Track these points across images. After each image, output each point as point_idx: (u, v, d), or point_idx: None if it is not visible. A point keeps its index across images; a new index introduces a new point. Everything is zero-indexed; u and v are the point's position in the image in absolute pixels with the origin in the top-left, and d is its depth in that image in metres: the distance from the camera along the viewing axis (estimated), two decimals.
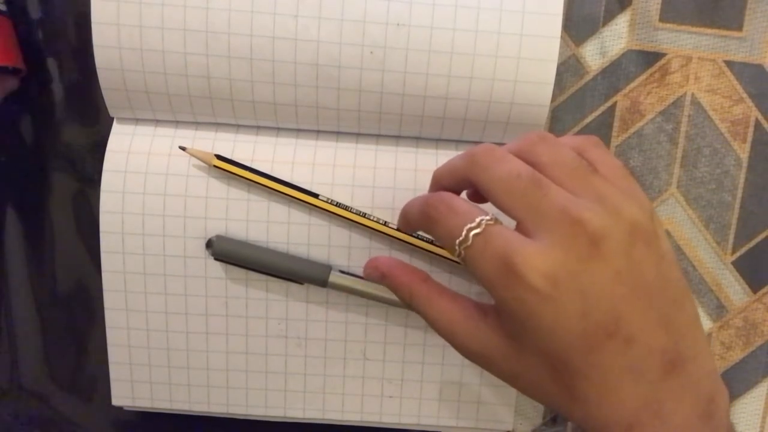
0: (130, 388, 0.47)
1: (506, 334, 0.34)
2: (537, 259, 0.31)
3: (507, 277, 0.31)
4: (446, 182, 0.37)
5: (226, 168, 0.44)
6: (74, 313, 0.50)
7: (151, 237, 0.45)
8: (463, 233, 0.33)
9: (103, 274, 0.46)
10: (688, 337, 0.32)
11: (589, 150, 0.35)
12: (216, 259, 0.45)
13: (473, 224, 0.33)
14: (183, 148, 0.44)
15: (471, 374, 0.47)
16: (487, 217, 0.33)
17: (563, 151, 0.34)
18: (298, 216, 0.45)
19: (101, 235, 0.45)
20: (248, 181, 0.44)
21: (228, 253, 0.44)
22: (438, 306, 0.37)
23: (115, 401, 0.48)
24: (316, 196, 0.44)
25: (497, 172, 0.33)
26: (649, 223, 0.32)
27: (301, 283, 0.45)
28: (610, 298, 0.31)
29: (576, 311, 0.31)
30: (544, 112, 0.44)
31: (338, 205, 0.44)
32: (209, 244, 0.45)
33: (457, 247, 0.33)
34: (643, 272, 0.32)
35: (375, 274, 0.41)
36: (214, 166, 0.44)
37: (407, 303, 0.38)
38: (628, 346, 0.31)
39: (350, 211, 0.44)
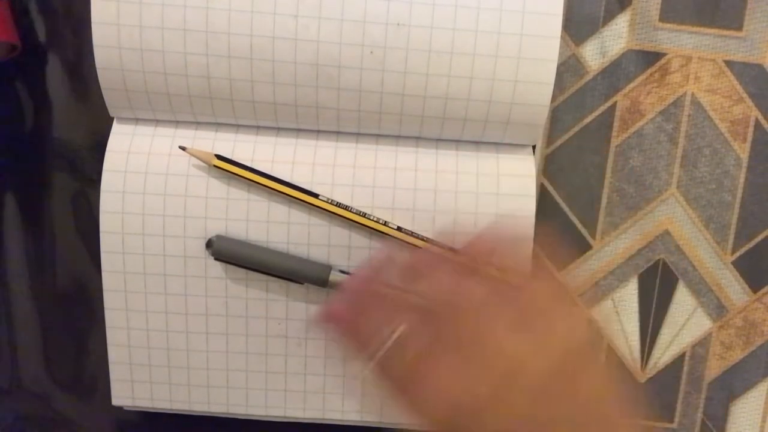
0: (130, 387, 0.47)
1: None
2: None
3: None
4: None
5: (226, 168, 0.44)
6: (74, 313, 0.50)
7: (151, 237, 0.45)
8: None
9: (103, 274, 0.46)
10: None
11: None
12: (216, 259, 0.45)
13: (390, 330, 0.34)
14: (183, 148, 0.44)
15: None
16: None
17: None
18: (298, 216, 0.45)
19: (101, 235, 0.45)
20: (248, 181, 0.44)
21: (228, 253, 0.44)
22: None
23: (115, 401, 0.48)
24: (316, 196, 0.44)
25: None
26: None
27: (301, 283, 0.45)
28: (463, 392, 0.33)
29: (441, 404, 0.33)
30: (544, 112, 0.44)
31: (338, 205, 0.44)
32: (209, 244, 0.44)
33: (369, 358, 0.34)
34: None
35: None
36: (214, 165, 0.44)
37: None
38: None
39: (350, 211, 0.44)
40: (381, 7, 0.42)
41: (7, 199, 0.48)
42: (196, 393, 0.47)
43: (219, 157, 0.44)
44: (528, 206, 0.45)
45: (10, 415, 0.51)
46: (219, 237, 0.44)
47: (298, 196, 0.44)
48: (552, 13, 0.42)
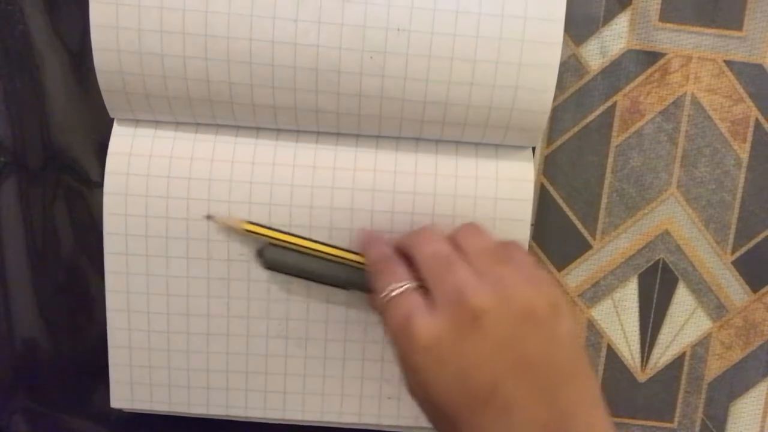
0: (129, 390, 0.47)
1: (410, 386, 0.39)
2: (427, 325, 0.36)
3: (404, 334, 0.37)
4: (394, 248, 0.42)
5: (258, 231, 0.44)
6: (74, 313, 0.50)
7: (153, 239, 0.45)
8: (386, 290, 0.39)
9: (106, 275, 0.46)
10: (580, 414, 0.35)
11: (510, 248, 0.40)
12: (267, 268, 0.45)
13: (397, 285, 0.39)
14: (209, 217, 0.45)
15: None
16: (413, 285, 0.39)
17: (485, 241, 0.40)
18: (299, 219, 0.45)
19: (105, 236, 0.45)
20: (283, 242, 0.44)
21: (281, 262, 0.44)
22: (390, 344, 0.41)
23: (114, 403, 0.48)
24: (358, 254, 0.44)
25: (424, 250, 0.40)
26: (544, 307, 0.36)
27: (347, 289, 0.46)
28: (486, 367, 0.35)
29: (454, 373, 0.36)
30: (544, 118, 0.43)
31: None
32: (260, 254, 0.45)
33: (381, 302, 0.39)
34: (527, 350, 0.36)
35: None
36: (245, 230, 0.44)
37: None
38: (507, 414, 0.35)
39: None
40: (381, 12, 0.41)
41: (7, 200, 0.48)
42: (195, 395, 0.48)
43: (250, 222, 0.44)
44: (525, 210, 0.45)
45: (10, 416, 0.51)
46: (269, 247, 0.44)
47: (337, 254, 0.44)
48: (554, 18, 0.42)
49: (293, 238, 0.44)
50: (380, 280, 0.40)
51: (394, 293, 0.38)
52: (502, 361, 0.35)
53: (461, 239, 0.40)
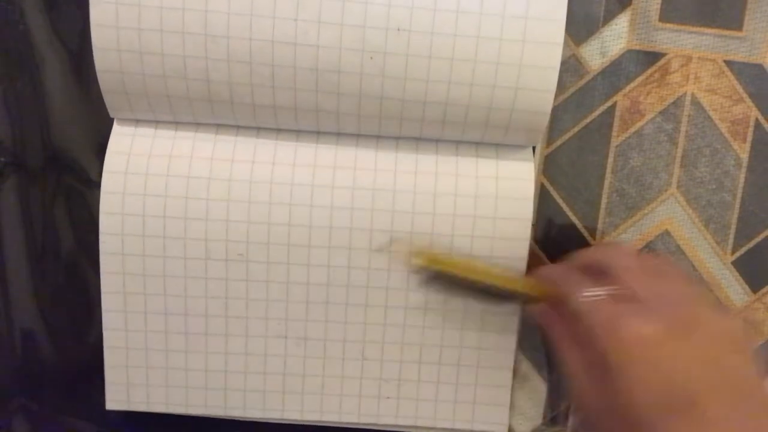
0: (125, 391, 0.47)
1: (600, 390, 0.38)
2: (642, 325, 0.36)
3: (614, 333, 0.37)
4: (581, 262, 0.43)
5: (431, 267, 0.44)
6: (74, 313, 0.50)
7: (151, 238, 0.45)
8: (581, 294, 0.39)
9: (102, 276, 0.46)
10: None
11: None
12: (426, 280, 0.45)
13: (592, 291, 0.39)
14: (380, 249, 0.45)
15: (467, 375, 0.48)
16: (611, 290, 0.39)
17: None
18: (299, 219, 0.45)
19: (101, 236, 0.45)
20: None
21: (443, 289, 0.45)
22: (570, 352, 0.41)
23: (109, 405, 0.48)
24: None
25: (625, 263, 0.40)
26: (741, 333, 0.38)
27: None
28: (693, 377, 0.35)
29: (662, 375, 0.35)
30: (545, 118, 0.44)
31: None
32: (418, 271, 0.45)
33: (579, 300, 0.39)
34: (731, 371, 0.36)
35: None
36: (420, 266, 0.44)
37: (542, 330, 0.44)
38: (703, 428, 0.34)
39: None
40: (381, 11, 0.41)
41: (7, 200, 0.48)
42: (193, 395, 0.48)
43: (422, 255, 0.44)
44: (526, 209, 0.45)
45: (10, 415, 0.51)
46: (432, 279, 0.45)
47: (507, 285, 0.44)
48: (554, 19, 0.42)
49: (461, 269, 0.44)
50: (570, 287, 0.40)
51: (592, 297, 0.39)
52: (708, 375, 0.36)
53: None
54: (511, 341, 0.47)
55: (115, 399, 0.48)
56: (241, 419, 0.49)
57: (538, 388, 0.50)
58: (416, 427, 0.49)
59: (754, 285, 0.49)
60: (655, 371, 0.36)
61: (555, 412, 0.50)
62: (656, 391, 0.35)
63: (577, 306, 0.39)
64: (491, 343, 0.47)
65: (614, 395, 0.37)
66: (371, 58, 0.42)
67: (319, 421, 0.48)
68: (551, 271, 0.44)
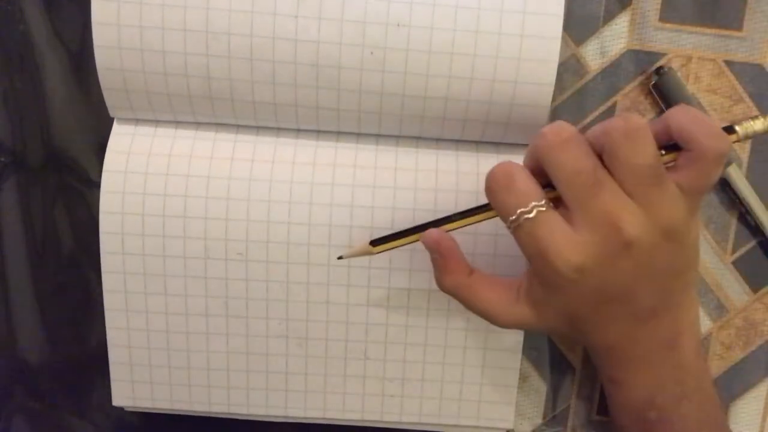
0: (130, 388, 0.47)
1: (533, 302, 0.40)
2: (571, 252, 0.36)
3: (543, 261, 0.37)
4: (527, 161, 0.40)
5: (389, 248, 0.42)
6: (75, 313, 0.50)
7: (151, 237, 0.45)
8: (516, 214, 0.37)
9: (103, 275, 0.46)
10: (675, 295, 0.40)
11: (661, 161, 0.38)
12: None
13: (526, 209, 0.37)
14: (340, 257, 0.44)
15: (472, 373, 0.47)
16: (541, 203, 0.37)
17: (640, 157, 0.36)
18: (298, 216, 0.45)
19: (101, 235, 0.45)
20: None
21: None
22: (480, 296, 0.41)
23: (116, 401, 0.48)
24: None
25: (565, 165, 0.37)
26: (683, 224, 0.37)
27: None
28: (625, 281, 0.38)
29: (594, 289, 0.38)
30: (545, 113, 0.44)
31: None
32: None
33: (509, 224, 0.38)
34: (659, 261, 0.38)
35: (432, 248, 0.41)
36: (378, 251, 0.43)
37: (446, 287, 0.42)
38: (628, 305, 0.39)
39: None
40: (381, 7, 0.42)
41: (7, 200, 0.48)
42: (196, 393, 0.48)
43: (374, 242, 0.43)
44: None
45: (11, 416, 0.51)
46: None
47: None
48: (553, 13, 0.42)
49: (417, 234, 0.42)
50: (502, 202, 0.38)
51: (524, 217, 0.37)
52: (639, 273, 0.37)
53: (613, 149, 0.36)
54: (517, 341, 0.47)
55: (121, 396, 0.48)
56: (244, 417, 0.49)
57: (538, 388, 0.50)
58: (421, 424, 0.48)
59: (754, 285, 0.49)
60: (588, 289, 0.38)
61: (555, 412, 0.50)
62: (590, 300, 0.38)
63: (509, 228, 0.38)
64: (497, 344, 0.47)
65: (548, 306, 0.40)
66: (371, 53, 0.42)
67: (323, 419, 0.48)
68: (498, 170, 0.39)
